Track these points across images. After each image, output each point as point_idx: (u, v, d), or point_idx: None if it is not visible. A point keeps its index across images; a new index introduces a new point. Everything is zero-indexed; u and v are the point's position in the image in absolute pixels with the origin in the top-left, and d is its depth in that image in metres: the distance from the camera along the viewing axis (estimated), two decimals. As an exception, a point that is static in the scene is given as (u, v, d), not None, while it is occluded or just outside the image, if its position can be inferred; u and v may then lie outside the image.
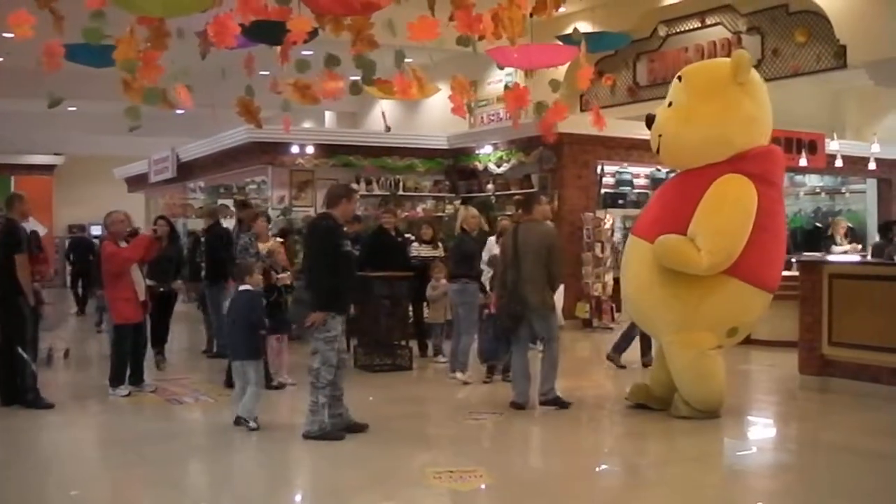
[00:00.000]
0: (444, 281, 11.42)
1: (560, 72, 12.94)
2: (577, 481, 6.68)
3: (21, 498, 6.26)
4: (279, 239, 11.59)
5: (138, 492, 6.63)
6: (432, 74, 8.79)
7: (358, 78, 7.65)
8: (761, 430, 8.67)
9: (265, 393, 8.46)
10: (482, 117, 18.64)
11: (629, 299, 8.95)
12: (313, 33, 7.23)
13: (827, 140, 16.88)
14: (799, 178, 19.67)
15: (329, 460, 7.11)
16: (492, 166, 16.97)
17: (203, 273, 12.26)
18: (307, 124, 23.25)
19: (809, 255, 12.34)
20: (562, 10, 8.53)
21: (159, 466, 7.05)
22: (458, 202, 17.06)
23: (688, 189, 8.26)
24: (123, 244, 9.81)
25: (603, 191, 16.66)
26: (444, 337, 11.83)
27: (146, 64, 7.16)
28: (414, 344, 12.00)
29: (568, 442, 8.02)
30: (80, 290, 19.13)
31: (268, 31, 7.19)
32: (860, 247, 15.80)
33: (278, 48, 7.48)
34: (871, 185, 19.89)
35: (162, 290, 11.39)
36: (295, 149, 16.24)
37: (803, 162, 16.18)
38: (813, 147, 16.46)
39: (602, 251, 15.70)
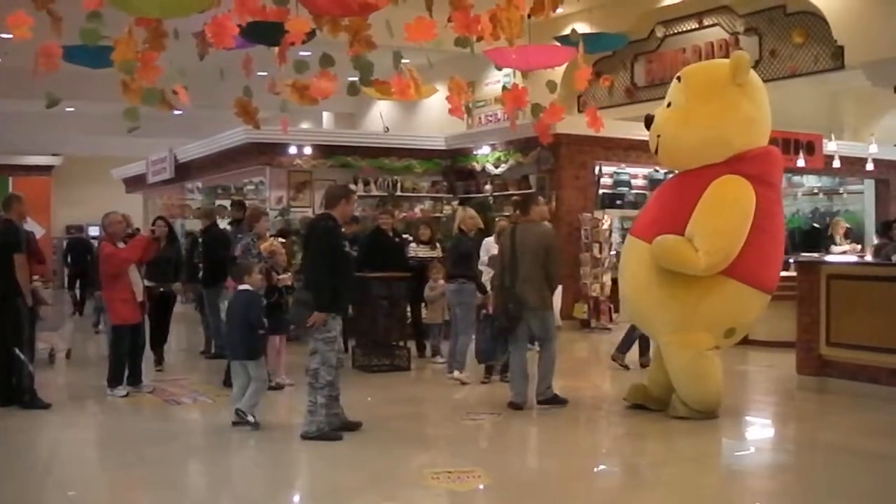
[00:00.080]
0: (441, 281, 11.43)
1: (556, 73, 12.95)
2: (574, 482, 6.68)
3: (19, 498, 6.26)
4: (281, 239, 11.60)
5: (136, 492, 6.63)
6: (430, 75, 8.79)
7: (356, 79, 7.64)
8: (759, 430, 8.68)
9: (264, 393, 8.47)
10: (480, 118, 18.64)
11: (627, 300, 8.96)
12: (311, 34, 7.23)
13: (825, 141, 16.91)
14: (797, 178, 19.68)
15: (327, 461, 7.11)
16: (489, 167, 16.95)
17: (201, 274, 12.26)
18: (305, 125, 23.24)
19: (807, 256, 12.35)
20: (559, 10, 8.53)
21: (157, 467, 7.06)
22: (455, 203, 17.03)
23: (686, 190, 8.27)
24: (121, 245, 9.81)
25: (601, 191, 16.67)
26: (443, 337, 11.85)
27: (144, 65, 7.15)
28: (412, 344, 12.02)
29: (566, 442, 8.02)
30: (77, 291, 19.13)
31: (266, 32, 7.19)
32: (859, 247, 15.82)
33: (276, 49, 7.48)
34: (868, 186, 19.92)
35: (161, 290, 11.40)
36: (293, 149, 16.22)
37: (801, 163, 16.22)
38: (811, 148, 16.51)
39: (600, 252, 15.70)
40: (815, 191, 20.18)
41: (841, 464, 7.21)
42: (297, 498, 6.64)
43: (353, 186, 15.57)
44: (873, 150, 17.25)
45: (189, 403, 9.42)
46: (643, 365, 10.74)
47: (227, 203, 17.03)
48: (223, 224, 13.41)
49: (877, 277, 9.58)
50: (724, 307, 8.17)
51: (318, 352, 7.49)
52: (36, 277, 10.45)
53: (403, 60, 7.79)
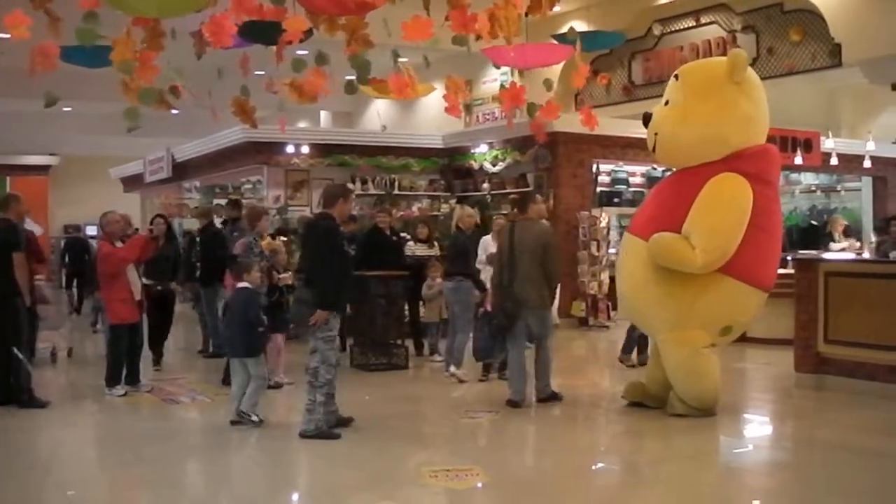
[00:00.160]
0: (439, 280, 11.42)
1: (553, 71, 12.95)
2: (573, 479, 6.68)
3: (17, 498, 6.26)
4: (283, 238, 11.59)
5: (135, 491, 6.64)
6: (427, 74, 8.78)
7: (353, 77, 7.64)
8: (757, 427, 8.69)
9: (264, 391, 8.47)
10: (477, 116, 18.64)
11: (624, 297, 8.96)
12: (308, 33, 7.23)
13: (822, 138, 16.91)
14: (794, 176, 19.70)
15: (325, 459, 7.12)
16: (487, 165, 16.96)
17: (198, 273, 12.25)
18: (302, 124, 23.24)
19: (805, 253, 12.35)
20: (556, 9, 8.54)
21: (156, 466, 7.06)
22: (453, 201, 17.05)
23: (683, 187, 8.28)
24: (119, 244, 9.81)
25: (599, 189, 16.69)
26: (440, 336, 11.85)
27: (142, 64, 7.15)
28: (410, 343, 12.01)
29: (564, 440, 8.03)
30: (74, 290, 19.12)
31: (263, 32, 7.18)
32: (858, 244, 15.82)
33: (273, 48, 7.47)
34: (866, 183, 19.94)
35: (159, 288, 11.36)
36: (290, 148, 16.22)
37: (799, 160, 16.23)
38: (808, 145, 16.52)
39: (598, 250, 15.71)
40: (813, 188, 20.20)
41: (839, 461, 7.22)
42: (295, 497, 6.64)
43: (350, 185, 15.57)
44: (871, 147, 17.24)
45: (187, 402, 9.42)
46: (641, 363, 10.74)
47: (224, 202, 17.02)
48: (218, 223, 13.40)
49: (874, 275, 9.60)
50: (720, 305, 8.17)
51: (318, 350, 7.51)
52: (39, 277, 10.45)
53: (401, 59, 7.79)
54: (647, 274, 8.27)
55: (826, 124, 17.86)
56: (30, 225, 11.34)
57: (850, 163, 18.08)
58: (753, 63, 13.29)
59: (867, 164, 17.69)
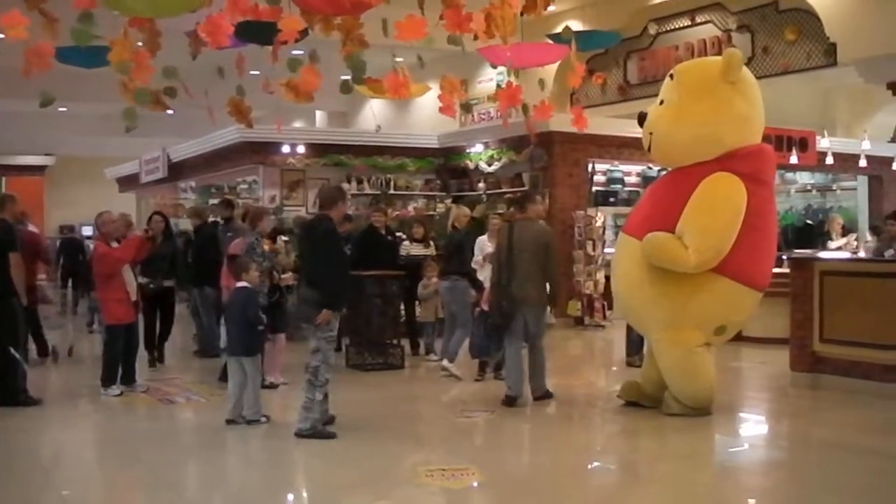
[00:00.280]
0: (435, 279, 11.43)
1: (547, 70, 12.96)
2: (568, 479, 6.69)
3: (13, 498, 6.25)
4: (285, 238, 11.58)
5: (131, 491, 6.64)
6: (422, 73, 8.78)
7: (349, 77, 7.64)
8: (753, 427, 8.70)
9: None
10: (473, 116, 18.64)
11: (619, 297, 8.97)
12: (304, 33, 7.23)
13: (818, 137, 16.95)
14: (790, 175, 19.71)
15: (321, 459, 7.12)
16: (483, 165, 16.96)
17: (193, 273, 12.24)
18: (298, 124, 23.24)
19: (801, 253, 12.35)
20: (552, 8, 8.53)
21: (152, 466, 7.05)
22: (449, 201, 17.06)
23: (678, 187, 8.28)
24: (115, 245, 9.79)
25: (594, 189, 16.69)
26: (436, 335, 11.85)
27: (138, 65, 7.14)
28: (406, 343, 12.01)
29: (560, 439, 8.04)
30: (69, 290, 19.11)
31: (258, 31, 7.18)
32: (856, 242, 15.79)
33: (269, 48, 7.47)
34: (861, 182, 19.97)
35: (152, 286, 11.28)
36: (286, 148, 16.21)
37: (794, 159, 16.25)
38: (804, 144, 16.54)
39: (593, 249, 15.73)
40: (808, 187, 20.21)
41: (834, 460, 7.23)
42: (291, 496, 6.64)
43: (345, 185, 15.58)
44: (866, 146, 17.25)
45: (183, 403, 9.41)
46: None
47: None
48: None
49: (869, 273, 9.61)
50: (715, 305, 8.18)
51: (320, 350, 7.52)
52: (41, 277, 10.44)
53: (397, 59, 7.80)
54: (642, 274, 8.28)
55: (821, 123, 17.90)
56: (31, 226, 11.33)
57: (846, 162, 18.11)
58: (748, 62, 13.28)
59: (863, 163, 17.72)
